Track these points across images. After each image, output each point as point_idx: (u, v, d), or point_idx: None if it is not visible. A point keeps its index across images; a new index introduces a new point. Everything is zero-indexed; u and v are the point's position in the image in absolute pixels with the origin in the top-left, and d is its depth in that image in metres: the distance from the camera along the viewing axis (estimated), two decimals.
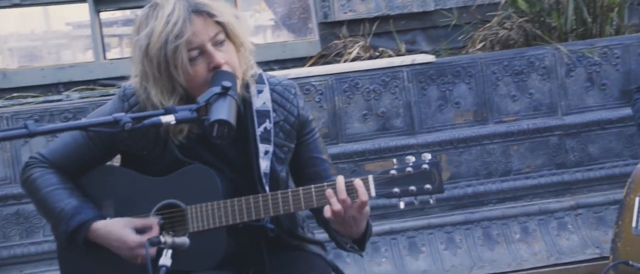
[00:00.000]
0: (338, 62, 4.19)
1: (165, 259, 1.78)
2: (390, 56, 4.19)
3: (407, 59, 3.57)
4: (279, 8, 5.15)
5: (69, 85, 4.21)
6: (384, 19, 4.37)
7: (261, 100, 2.06)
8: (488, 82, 3.65)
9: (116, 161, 2.14)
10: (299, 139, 2.11)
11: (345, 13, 4.43)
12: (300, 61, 4.48)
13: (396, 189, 1.91)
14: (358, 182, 1.89)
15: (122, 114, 1.66)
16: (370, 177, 1.91)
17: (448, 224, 3.63)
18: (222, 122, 1.75)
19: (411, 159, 1.93)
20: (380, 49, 4.38)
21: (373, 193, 1.91)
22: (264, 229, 2.03)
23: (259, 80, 2.08)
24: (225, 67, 1.91)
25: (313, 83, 3.52)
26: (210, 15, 1.91)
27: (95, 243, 1.97)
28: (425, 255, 3.58)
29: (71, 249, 2.01)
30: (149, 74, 1.91)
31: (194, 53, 1.90)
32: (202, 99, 1.80)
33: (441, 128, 3.62)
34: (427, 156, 1.93)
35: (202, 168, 1.98)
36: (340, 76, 3.53)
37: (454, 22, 4.19)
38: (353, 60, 4.13)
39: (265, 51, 4.50)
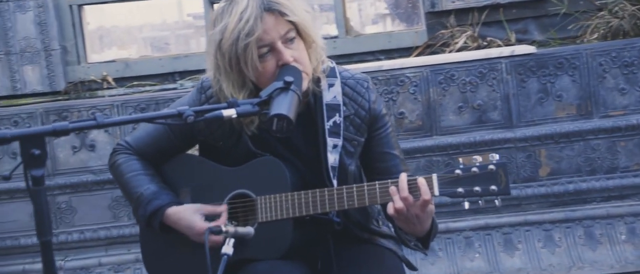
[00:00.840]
0: (444, 52, 4.14)
1: (227, 248, 1.85)
2: (498, 46, 4.08)
3: (506, 50, 3.47)
4: None
5: (184, 74, 4.39)
6: (494, 7, 4.24)
7: (332, 94, 2.07)
8: (594, 75, 3.48)
9: (195, 151, 2.24)
10: (370, 134, 2.11)
11: (453, 2, 4.34)
12: (406, 51, 4.44)
13: (460, 189, 1.88)
14: (421, 180, 1.87)
15: (186, 107, 1.73)
16: (435, 176, 1.89)
17: (547, 222, 3.51)
18: (281, 117, 1.79)
19: (478, 159, 1.88)
20: (489, 38, 4.26)
21: (436, 192, 1.89)
22: (331, 222, 2.06)
23: (331, 74, 2.10)
24: (293, 64, 1.95)
25: (407, 74, 3.50)
26: (281, 13, 1.94)
27: (170, 227, 2.07)
28: (521, 252, 3.48)
29: (150, 232, 2.12)
30: (221, 67, 1.98)
31: (264, 50, 1.94)
32: (264, 93, 1.84)
33: (541, 122, 3.50)
34: (495, 157, 1.88)
35: (272, 160, 2.03)
36: (435, 68, 3.48)
37: (563, 11, 4.02)
38: (459, 50, 4.06)
39: (370, 41, 4.51)
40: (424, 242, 2.03)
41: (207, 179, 2.10)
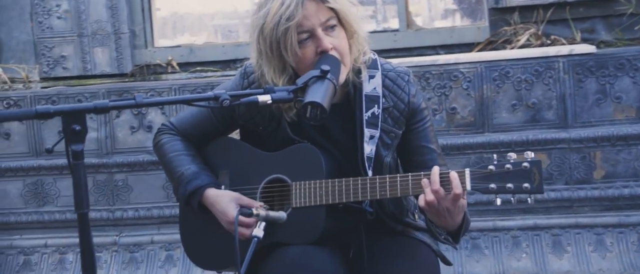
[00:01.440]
0: (505, 49, 4.07)
1: (258, 231, 1.89)
2: (562, 45, 3.99)
3: (565, 49, 3.39)
4: None
5: (246, 61, 4.47)
6: (560, 5, 4.15)
7: (372, 85, 2.09)
8: None
9: (237, 134, 2.29)
10: (408, 126, 2.12)
11: None
12: (467, 47, 4.39)
13: (493, 185, 1.86)
14: (453, 174, 1.87)
15: (222, 91, 1.78)
16: (467, 171, 1.89)
17: (599, 226, 3.42)
18: (314, 104, 1.82)
19: (512, 155, 1.87)
20: (553, 37, 4.17)
21: (468, 187, 1.88)
22: (363, 212, 2.07)
23: (373, 65, 2.11)
24: (332, 52, 1.97)
25: (461, 70, 3.47)
26: (323, 0, 1.97)
27: (207, 208, 2.13)
28: (570, 255, 3.41)
29: (189, 211, 2.19)
30: (263, 52, 2.02)
31: (304, 36, 1.97)
32: (300, 80, 1.88)
33: (598, 123, 3.41)
34: (530, 155, 1.86)
35: (309, 147, 2.06)
36: (490, 64, 3.44)
37: (630, 10, 3.90)
38: (521, 48, 3.99)
39: (431, 36, 4.47)
40: (454, 236, 2.02)
41: (246, 162, 2.15)
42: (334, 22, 1.99)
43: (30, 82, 4.25)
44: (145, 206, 3.74)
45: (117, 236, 3.79)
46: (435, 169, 1.90)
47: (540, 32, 4.14)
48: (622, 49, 3.49)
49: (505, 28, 4.22)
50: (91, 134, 3.75)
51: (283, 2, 1.95)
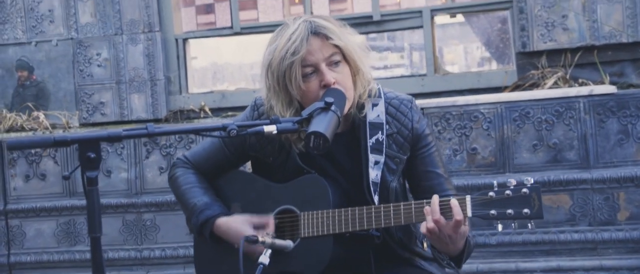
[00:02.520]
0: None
1: (264, 258, 1.95)
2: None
3: (584, 90, 3.41)
4: (480, 38, 5.16)
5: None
6: (587, 49, 4.17)
7: (375, 113, 2.16)
8: None
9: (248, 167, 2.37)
10: (413, 152, 2.18)
11: (545, 43, 4.30)
12: (495, 91, 4.42)
13: (493, 212, 1.90)
14: (454, 202, 1.91)
15: (230, 121, 1.87)
16: (468, 198, 1.92)
17: (624, 268, 3.38)
18: (317, 134, 1.89)
19: (512, 182, 1.90)
20: (580, 80, 4.19)
21: (469, 213, 1.92)
22: (371, 238, 2.12)
23: (376, 94, 2.19)
24: (335, 86, 2.05)
25: (482, 110, 3.51)
26: (327, 37, 2.06)
27: (220, 238, 2.20)
28: None
29: (202, 241, 2.26)
30: (271, 86, 2.11)
31: (308, 70, 2.05)
32: (305, 112, 1.96)
33: (620, 164, 3.40)
34: (530, 180, 1.89)
35: (316, 178, 2.12)
36: (510, 105, 3.47)
37: None
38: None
39: (458, 80, 4.52)
40: (457, 261, 2.05)
41: (257, 194, 2.22)
42: (338, 58, 2.07)
43: (69, 127, 4.42)
44: (172, 245, 3.83)
45: None
46: (435, 199, 1.94)
47: (568, 76, 4.16)
48: None
49: (533, 72, 4.26)
50: (122, 175, 3.89)
51: (289, 38, 2.05)
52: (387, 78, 4.78)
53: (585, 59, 4.15)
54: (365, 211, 2.04)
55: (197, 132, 1.89)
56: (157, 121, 4.45)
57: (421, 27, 4.67)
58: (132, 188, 3.89)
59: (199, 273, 2.31)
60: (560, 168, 3.45)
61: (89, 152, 1.79)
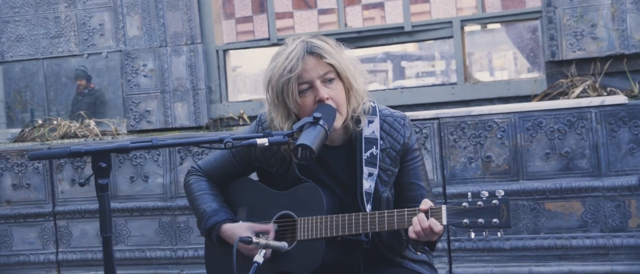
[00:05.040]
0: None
1: (259, 257, 2.15)
2: (617, 95, 4.01)
3: (596, 100, 3.48)
4: (509, 47, 5.24)
5: None
6: (617, 58, 4.22)
7: (371, 129, 2.34)
8: None
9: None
10: (401, 164, 2.35)
11: (574, 52, 4.35)
12: (524, 99, 4.49)
13: (466, 221, 2.05)
14: (433, 221, 2.08)
15: (227, 134, 2.08)
16: (444, 207, 2.08)
17: None
18: (304, 147, 2.08)
19: (485, 194, 2.05)
20: (609, 88, 4.23)
21: (444, 222, 2.08)
22: (360, 242, 2.30)
23: (372, 112, 2.36)
24: (328, 102, 2.24)
25: (496, 120, 3.62)
26: (321, 56, 2.25)
27: (225, 241, 2.41)
28: None
29: (211, 244, 2.47)
30: (271, 100, 2.31)
31: (304, 87, 2.24)
32: (296, 126, 2.15)
33: (632, 172, 3.47)
34: (501, 192, 2.04)
35: (312, 187, 2.31)
36: (523, 114, 3.57)
37: None
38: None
39: (488, 88, 4.62)
40: (430, 246, 2.24)
41: (260, 200, 2.42)
42: (332, 75, 2.26)
43: (118, 134, 4.70)
44: (204, 246, 4.04)
45: (179, 272, 4.13)
46: (421, 216, 2.10)
47: (597, 85, 4.20)
48: None
49: (562, 80, 4.32)
50: (158, 180, 4.15)
51: (287, 57, 2.25)
52: (417, 86, 4.91)
53: (614, 67, 4.18)
54: (354, 217, 2.22)
55: (197, 144, 2.11)
56: (198, 128, 4.69)
57: (451, 37, 4.79)
58: (168, 192, 4.14)
59: (209, 272, 2.53)
60: (573, 176, 3.54)
61: (100, 162, 2.02)
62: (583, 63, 4.27)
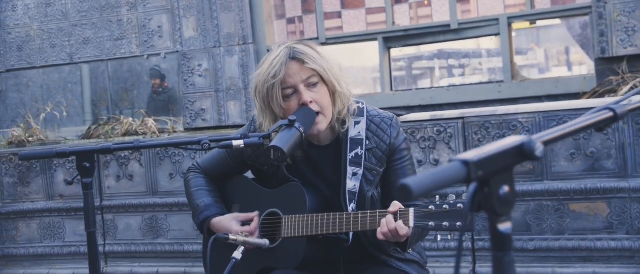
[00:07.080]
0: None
1: (237, 253, 2.25)
2: None
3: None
4: (560, 44, 5.12)
5: None
6: None
7: (357, 130, 2.39)
8: None
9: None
10: (388, 164, 2.39)
11: (625, 48, 4.25)
12: (573, 97, 4.41)
13: (431, 223, 2.08)
14: (399, 224, 2.11)
15: (205, 136, 2.18)
16: (411, 210, 2.12)
17: None
18: (276, 148, 2.15)
19: (452, 197, 2.07)
20: None
21: (411, 224, 2.11)
22: (341, 241, 2.35)
23: (359, 113, 2.41)
24: (312, 105, 2.30)
25: (520, 120, 3.57)
26: (304, 61, 2.31)
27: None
28: None
29: (204, 237, 2.59)
30: (259, 105, 2.40)
31: (288, 91, 2.32)
32: (272, 128, 2.23)
33: None
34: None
35: (298, 187, 2.39)
36: (548, 114, 3.51)
37: None
38: None
39: (536, 86, 4.55)
40: (402, 246, 2.26)
41: (252, 197, 2.53)
42: (315, 80, 2.32)
43: (174, 132, 4.90)
44: None
45: (191, 265, 4.27)
46: (384, 220, 2.14)
47: None
48: None
49: (612, 77, 4.21)
50: None
51: (271, 63, 2.33)
52: (464, 84, 4.88)
53: None
54: (332, 217, 2.29)
55: (176, 145, 2.22)
56: None
57: (498, 34, 4.74)
58: None
59: (204, 261, 2.65)
60: (598, 177, 3.45)
61: (84, 162, 2.17)
62: (635, 60, 4.14)
